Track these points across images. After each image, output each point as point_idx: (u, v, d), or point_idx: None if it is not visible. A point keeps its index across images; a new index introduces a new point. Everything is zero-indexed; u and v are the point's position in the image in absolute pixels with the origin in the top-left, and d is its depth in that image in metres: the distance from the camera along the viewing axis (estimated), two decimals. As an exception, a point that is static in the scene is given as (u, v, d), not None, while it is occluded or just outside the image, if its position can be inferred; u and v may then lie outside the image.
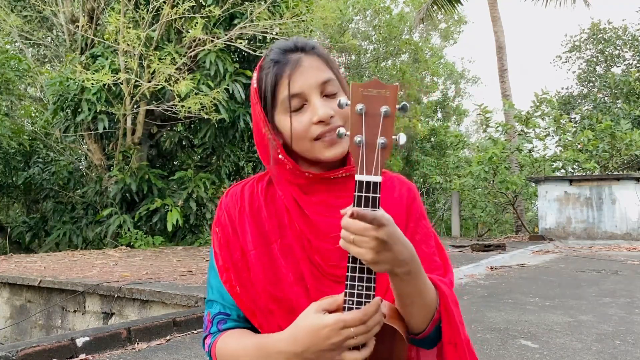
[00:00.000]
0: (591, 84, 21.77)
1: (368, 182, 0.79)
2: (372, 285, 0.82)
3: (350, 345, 0.82)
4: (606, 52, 21.50)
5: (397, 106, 0.79)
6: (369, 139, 0.79)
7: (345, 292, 0.82)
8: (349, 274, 0.82)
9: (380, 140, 0.79)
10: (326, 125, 0.93)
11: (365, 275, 0.81)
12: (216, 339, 0.98)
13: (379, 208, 0.78)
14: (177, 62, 8.85)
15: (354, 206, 0.79)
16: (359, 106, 0.79)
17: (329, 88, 0.95)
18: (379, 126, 0.79)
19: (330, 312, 0.83)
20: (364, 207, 0.78)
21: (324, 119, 0.93)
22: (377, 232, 0.76)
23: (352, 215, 0.76)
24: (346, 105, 0.81)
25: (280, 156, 0.98)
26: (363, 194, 0.78)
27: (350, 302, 0.82)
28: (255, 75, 1.00)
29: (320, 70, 0.95)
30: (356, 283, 0.82)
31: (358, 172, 0.79)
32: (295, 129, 0.95)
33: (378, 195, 0.78)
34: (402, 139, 0.78)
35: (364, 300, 0.81)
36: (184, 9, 8.73)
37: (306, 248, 0.98)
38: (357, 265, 0.81)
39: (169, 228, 9.56)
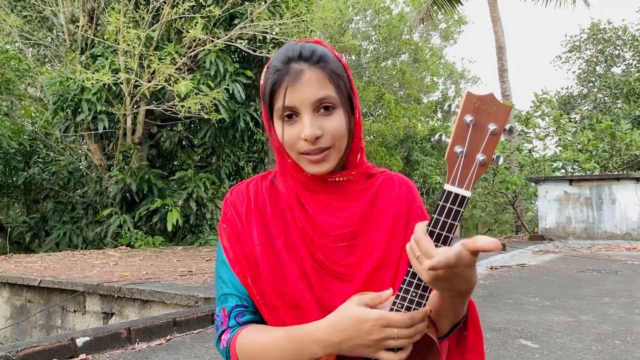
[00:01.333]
0: (591, 84, 21.78)
1: (456, 195, 0.76)
2: (426, 295, 0.81)
3: (389, 346, 0.82)
4: (606, 52, 21.51)
5: (505, 127, 0.77)
6: (470, 153, 0.77)
7: (398, 295, 0.82)
8: (407, 278, 0.81)
9: (481, 156, 0.76)
10: (311, 144, 0.93)
11: (422, 284, 0.81)
12: (236, 334, 0.96)
13: (459, 222, 0.77)
14: (177, 62, 8.85)
15: (434, 214, 0.77)
16: (468, 117, 0.76)
17: (325, 105, 0.94)
18: (483, 142, 0.77)
19: (371, 307, 0.83)
20: (445, 218, 0.76)
21: (309, 138, 0.92)
22: (440, 270, 0.74)
23: (431, 268, 0.73)
24: (453, 112, 0.78)
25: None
26: (448, 205, 0.77)
27: (400, 305, 0.81)
28: (263, 72, 1.01)
29: (319, 87, 0.93)
30: (411, 289, 0.81)
31: (450, 182, 0.77)
32: (285, 139, 0.96)
33: (462, 210, 0.76)
34: (500, 160, 0.77)
35: (413, 306, 0.81)
36: (184, 9, 8.73)
37: (309, 245, 0.99)
38: (418, 274, 0.81)
39: (169, 228, 9.55)
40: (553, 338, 3.61)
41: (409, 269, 0.81)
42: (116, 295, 4.62)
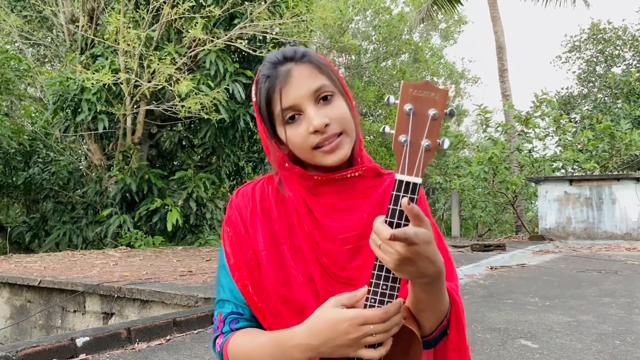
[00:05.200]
0: (591, 84, 21.77)
1: (407, 183, 0.78)
2: (397, 286, 0.82)
3: (368, 343, 0.82)
4: (606, 52, 21.50)
5: (445, 110, 0.79)
6: (414, 140, 0.78)
7: (369, 290, 0.82)
8: (375, 272, 0.82)
9: (425, 142, 0.78)
10: (322, 134, 0.93)
11: (391, 276, 0.81)
12: (228, 338, 0.98)
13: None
14: (177, 62, 8.85)
15: (390, 205, 0.78)
16: (407, 106, 0.79)
17: (324, 94, 0.95)
18: (426, 128, 0.78)
19: (348, 307, 0.83)
20: (400, 207, 0.78)
21: (319, 128, 0.92)
22: (402, 249, 0.76)
23: (392, 237, 0.74)
24: (394, 103, 0.80)
25: (286, 164, 0.99)
26: (401, 194, 0.78)
27: (373, 300, 0.82)
28: (253, 88, 1.01)
29: (312, 78, 0.94)
30: (381, 282, 0.82)
31: (399, 172, 0.78)
32: (294, 140, 0.95)
33: (416, 196, 0.78)
34: (446, 143, 0.78)
35: (386, 299, 0.82)
36: (184, 9, 8.73)
37: (314, 249, 0.99)
38: (385, 266, 0.81)
39: (169, 228, 9.55)
40: (553, 338, 3.61)
41: (375, 262, 0.82)
42: (116, 295, 4.62)
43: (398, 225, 0.78)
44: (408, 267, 0.78)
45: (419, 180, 0.78)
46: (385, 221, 0.79)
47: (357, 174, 1.00)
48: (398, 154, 0.79)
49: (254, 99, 1.00)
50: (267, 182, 1.07)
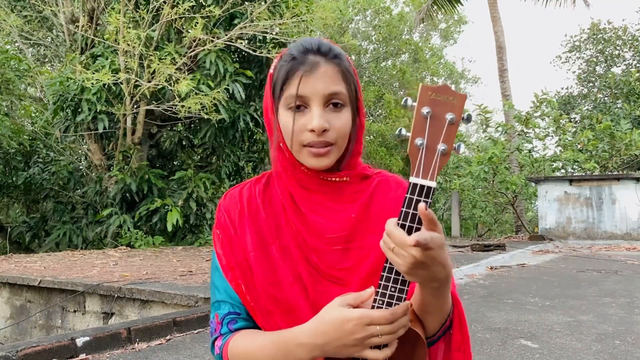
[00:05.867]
0: (591, 84, 21.77)
1: (422, 186, 0.78)
2: (405, 288, 0.82)
3: (373, 344, 0.82)
4: (606, 52, 21.51)
5: (463, 115, 0.79)
6: (430, 144, 0.78)
7: (377, 291, 0.82)
8: (385, 274, 0.82)
9: (442, 146, 0.78)
10: (317, 136, 0.93)
11: (400, 278, 0.81)
12: (228, 340, 0.97)
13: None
14: (177, 62, 8.85)
15: (403, 207, 0.78)
16: (425, 109, 0.78)
17: (335, 101, 0.94)
18: (443, 132, 0.78)
19: (354, 307, 0.83)
20: (414, 210, 0.77)
21: (317, 129, 0.92)
22: (416, 253, 0.75)
23: (415, 244, 0.73)
24: (411, 106, 0.80)
25: (280, 144, 0.99)
26: (415, 197, 0.78)
27: (381, 302, 0.82)
28: (275, 61, 1.00)
29: (333, 82, 0.94)
30: (390, 284, 0.82)
31: (414, 175, 0.78)
32: (289, 129, 0.95)
33: (430, 200, 0.78)
34: (462, 148, 0.78)
35: (394, 302, 0.81)
36: (184, 9, 8.73)
37: (302, 248, 0.98)
38: (395, 268, 0.81)
39: (169, 228, 9.55)
40: (553, 338, 3.61)
41: (385, 264, 0.82)
42: (116, 295, 4.62)
43: (410, 228, 0.78)
44: (421, 271, 0.78)
45: (433, 184, 0.78)
46: (398, 224, 0.78)
47: (342, 179, 1.00)
48: (413, 157, 0.79)
49: (271, 70, 0.99)
50: (255, 183, 1.07)
